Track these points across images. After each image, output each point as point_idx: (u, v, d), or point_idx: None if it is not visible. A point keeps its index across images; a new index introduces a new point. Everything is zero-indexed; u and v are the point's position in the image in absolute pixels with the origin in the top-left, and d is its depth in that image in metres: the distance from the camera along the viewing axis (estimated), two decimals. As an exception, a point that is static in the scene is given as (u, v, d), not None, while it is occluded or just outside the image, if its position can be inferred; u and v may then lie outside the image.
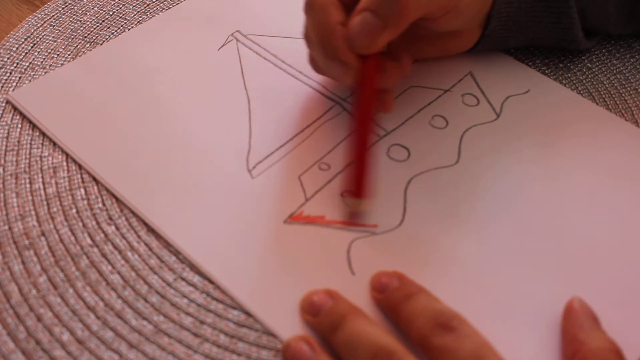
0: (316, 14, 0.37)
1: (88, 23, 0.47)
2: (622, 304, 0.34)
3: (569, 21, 0.42)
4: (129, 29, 0.46)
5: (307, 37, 0.39)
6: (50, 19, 0.47)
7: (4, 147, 0.40)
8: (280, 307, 0.34)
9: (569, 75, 0.45)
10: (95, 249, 0.36)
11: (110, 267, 0.35)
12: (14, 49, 0.45)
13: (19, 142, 0.40)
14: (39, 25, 0.46)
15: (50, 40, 0.45)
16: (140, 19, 0.47)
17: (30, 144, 0.40)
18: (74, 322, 0.33)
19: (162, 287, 0.35)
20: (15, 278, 0.35)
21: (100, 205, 0.38)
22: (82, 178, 0.39)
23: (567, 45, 0.44)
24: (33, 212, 0.37)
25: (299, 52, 0.41)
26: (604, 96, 0.44)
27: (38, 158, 0.39)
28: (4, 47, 0.45)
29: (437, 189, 0.38)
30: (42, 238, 0.36)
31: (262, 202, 0.38)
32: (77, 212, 0.37)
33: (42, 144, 0.40)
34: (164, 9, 0.48)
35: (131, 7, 0.48)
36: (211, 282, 0.35)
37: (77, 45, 0.45)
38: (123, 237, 0.36)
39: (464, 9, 0.38)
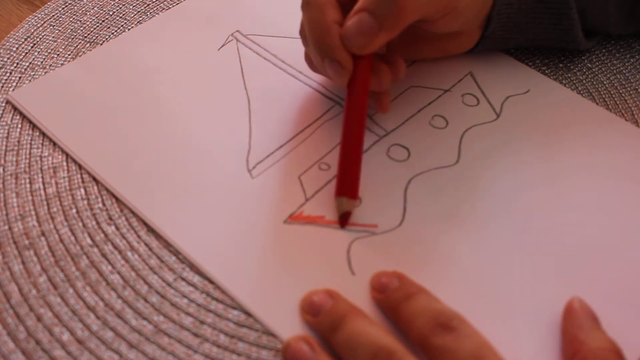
0: (312, 12, 0.37)
1: (88, 23, 0.47)
2: (622, 304, 0.34)
3: (569, 22, 0.42)
4: (129, 29, 0.46)
5: (303, 35, 0.39)
6: (50, 19, 0.47)
7: (4, 147, 0.40)
8: (280, 307, 0.34)
9: (569, 75, 0.45)
10: (95, 249, 0.36)
11: (110, 267, 0.35)
12: (14, 49, 0.45)
13: (19, 142, 0.40)
14: (39, 25, 0.46)
15: (50, 40, 0.45)
16: (140, 19, 0.47)
17: (30, 144, 0.40)
18: (74, 322, 0.33)
19: (162, 287, 0.35)
20: (15, 278, 0.35)
21: (100, 205, 0.38)
22: (82, 178, 0.39)
23: (567, 45, 0.44)
24: (33, 212, 0.37)
25: (299, 52, 0.41)
26: (604, 96, 0.44)
27: (38, 158, 0.39)
28: (4, 47, 0.45)
29: (437, 189, 0.38)
30: (42, 238, 0.36)
31: (262, 202, 0.38)
32: (77, 212, 0.37)
33: (42, 144, 0.40)
34: (164, 9, 0.48)
35: (131, 7, 0.48)
36: (211, 282, 0.35)
37: (77, 45, 0.45)
38: (123, 237, 0.36)
39: (463, 10, 0.38)
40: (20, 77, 0.43)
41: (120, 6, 0.48)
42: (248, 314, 0.34)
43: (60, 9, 0.48)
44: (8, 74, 0.43)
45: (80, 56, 0.44)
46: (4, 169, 0.39)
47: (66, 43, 0.45)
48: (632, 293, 0.35)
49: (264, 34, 0.46)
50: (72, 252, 0.36)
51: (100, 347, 0.32)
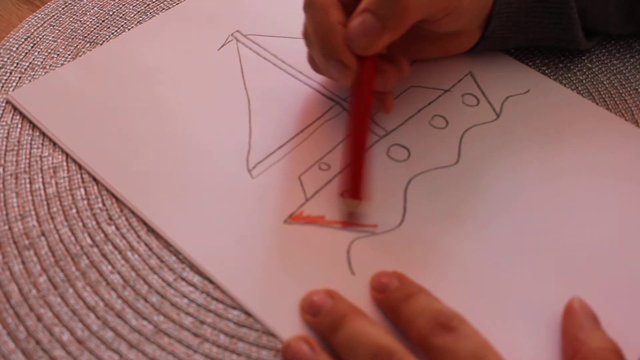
0: (316, 13, 0.37)
1: (88, 23, 0.47)
2: (622, 304, 0.34)
3: (569, 21, 0.42)
4: (129, 29, 0.46)
5: (306, 37, 0.39)
6: (50, 19, 0.47)
7: (4, 147, 0.40)
8: (280, 307, 0.34)
9: (569, 75, 0.45)
10: (95, 249, 0.36)
11: (110, 267, 0.35)
12: (14, 49, 0.45)
13: (19, 142, 0.40)
14: (39, 25, 0.46)
15: (50, 40, 0.45)
16: (140, 19, 0.47)
17: (30, 144, 0.40)
18: (74, 322, 0.33)
19: (162, 287, 0.35)
20: (15, 278, 0.35)
21: (100, 205, 0.38)
22: (82, 178, 0.39)
23: (567, 45, 0.44)
24: (33, 212, 0.37)
25: (299, 52, 0.41)
26: (604, 96, 0.44)
27: (38, 158, 0.39)
28: (4, 47, 0.45)
29: (437, 189, 0.38)
30: (42, 238, 0.36)
31: (262, 202, 0.38)
32: (77, 212, 0.37)
33: (42, 144, 0.40)
34: (164, 9, 0.48)
35: (131, 7, 0.48)
36: (211, 282, 0.35)
37: (77, 45, 0.45)
38: (123, 237, 0.36)
39: (464, 10, 0.38)
40: (20, 77, 0.43)
41: (120, 6, 0.48)
42: (248, 314, 0.34)
43: (60, 9, 0.48)
44: (8, 74, 0.43)
45: (80, 56, 0.44)
46: (4, 169, 0.39)
47: (66, 43, 0.45)
48: (632, 293, 0.35)
49: (264, 34, 0.46)
50: (72, 252, 0.36)
51: (100, 347, 0.32)
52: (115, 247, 0.36)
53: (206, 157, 0.39)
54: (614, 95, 0.44)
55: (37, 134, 0.40)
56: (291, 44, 0.45)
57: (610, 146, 0.41)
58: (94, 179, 0.38)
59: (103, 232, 0.36)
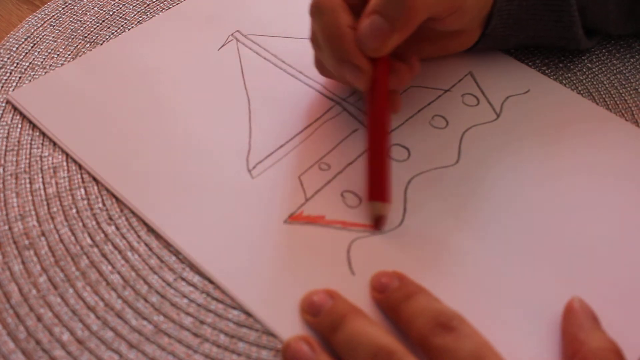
0: (325, 17, 0.36)
1: (88, 23, 0.47)
2: (622, 304, 0.34)
3: (569, 19, 0.42)
4: (129, 29, 0.46)
5: (315, 41, 0.38)
6: (50, 19, 0.47)
7: (4, 147, 0.40)
8: (280, 307, 0.34)
9: (569, 75, 0.45)
10: (95, 249, 0.36)
11: (110, 267, 0.35)
12: (14, 49, 0.45)
13: (19, 142, 0.40)
14: (39, 25, 0.46)
15: (50, 40, 0.45)
16: (140, 19, 0.47)
17: (30, 144, 0.40)
18: (74, 322, 0.33)
19: (162, 287, 0.35)
20: (15, 278, 0.35)
21: (100, 205, 0.38)
22: (82, 178, 0.39)
23: (567, 44, 0.44)
24: (33, 212, 0.37)
25: (299, 52, 0.41)
26: (604, 96, 0.44)
27: (38, 158, 0.39)
28: (4, 47, 0.45)
29: (437, 189, 0.38)
30: (42, 238, 0.36)
31: (262, 202, 0.38)
32: (77, 212, 0.37)
33: (42, 144, 0.40)
34: (164, 9, 0.48)
35: (131, 7, 0.48)
36: (211, 282, 0.35)
37: (77, 45, 0.45)
38: (123, 237, 0.36)
39: (468, 9, 0.38)
40: (20, 77, 0.43)
41: (120, 6, 0.48)
42: (248, 314, 0.34)
43: (60, 9, 0.48)
44: (8, 74, 0.43)
45: (80, 56, 0.44)
46: (4, 169, 0.39)
47: (66, 43, 0.45)
48: (632, 293, 0.35)
49: (264, 34, 0.46)
50: (72, 252, 0.36)
51: (100, 347, 0.32)
52: (115, 247, 0.36)
53: (206, 157, 0.39)
54: (614, 95, 0.44)
55: (37, 134, 0.40)
56: (291, 44, 0.45)
57: (610, 146, 0.41)
58: (94, 179, 0.38)
59: (103, 232, 0.36)
